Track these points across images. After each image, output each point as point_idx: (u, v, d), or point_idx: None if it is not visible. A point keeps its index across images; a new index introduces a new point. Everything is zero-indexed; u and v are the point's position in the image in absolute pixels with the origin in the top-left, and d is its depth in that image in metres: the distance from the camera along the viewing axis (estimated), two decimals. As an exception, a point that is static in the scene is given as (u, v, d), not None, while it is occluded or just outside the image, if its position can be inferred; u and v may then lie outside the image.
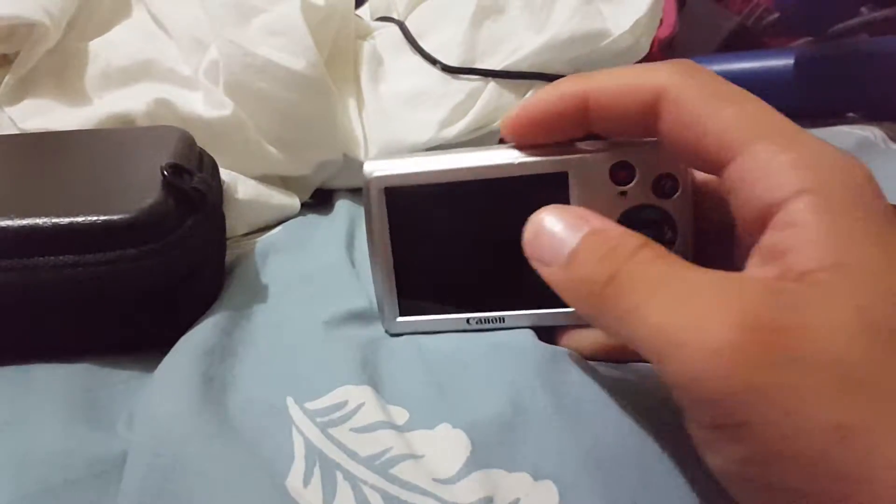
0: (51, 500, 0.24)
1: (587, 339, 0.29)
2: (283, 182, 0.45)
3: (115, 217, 0.29)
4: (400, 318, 0.31)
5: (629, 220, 0.27)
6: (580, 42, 0.46)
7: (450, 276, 0.30)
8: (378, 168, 0.29)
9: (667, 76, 0.22)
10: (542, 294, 0.24)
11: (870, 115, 0.55)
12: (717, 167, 0.21)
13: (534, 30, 0.48)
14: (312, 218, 0.43)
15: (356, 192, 0.45)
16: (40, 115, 0.42)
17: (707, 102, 0.21)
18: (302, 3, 0.42)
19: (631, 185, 0.27)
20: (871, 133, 0.51)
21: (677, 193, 0.26)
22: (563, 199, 0.27)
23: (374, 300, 0.32)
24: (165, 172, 0.31)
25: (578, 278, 0.21)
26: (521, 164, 0.27)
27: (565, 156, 0.27)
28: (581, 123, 0.25)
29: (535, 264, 0.24)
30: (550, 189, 0.27)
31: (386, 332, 0.32)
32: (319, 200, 0.46)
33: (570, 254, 0.22)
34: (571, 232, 0.22)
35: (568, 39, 0.46)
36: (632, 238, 0.21)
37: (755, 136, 0.20)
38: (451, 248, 0.29)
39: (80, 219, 0.29)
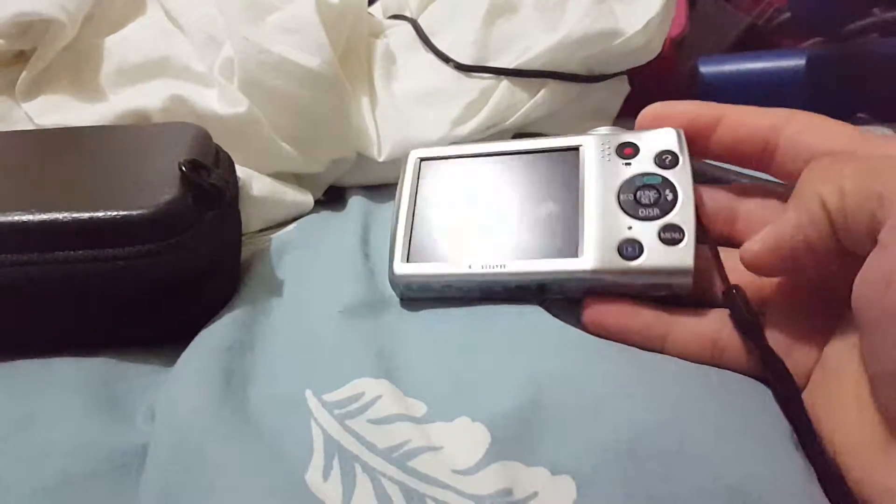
0: (71, 491, 0.24)
1: (611, 313, 0.29)
2: (297, 179, 0.45)
3: (134, 213, 0.29)
4: (406, 263, 0.32)
5: (632, 184, 0.30)
6: (593, 41, 0.46)
7: (459, 231, 0.33)
8: (420, 151, 0.36)
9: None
10: (542, 247, 0.30)
11: (880, 117, 0.55)
12: None
13: (546, 28, 0.48)
14: (326, 215, 0.43)
15: (368, 190, 0.46)
16: (56, 111, 0.42)
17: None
18: (316, 2, 0.42)
19: (635, 158, 0.31)
20: (883, 133, 0.51)
21: (678, 166, 0.30)
22: (575, 167, 0.32)
23: (390, 292, 0.33)
24: (183, 168, 0.32)
25: None
26: (540, 141, 0.33)
27: (580, 135, 0.33)
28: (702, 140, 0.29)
29: None
30: (564, 159, 0.32)
31: (391, 284, 0.33)
32: (331, 197, 0.46)
33: None
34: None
35: (581, 38, 0.46)
36: None
37: None
38: (463, 209, 0.33)
39: (99, 214, 0.29)
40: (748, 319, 0.27)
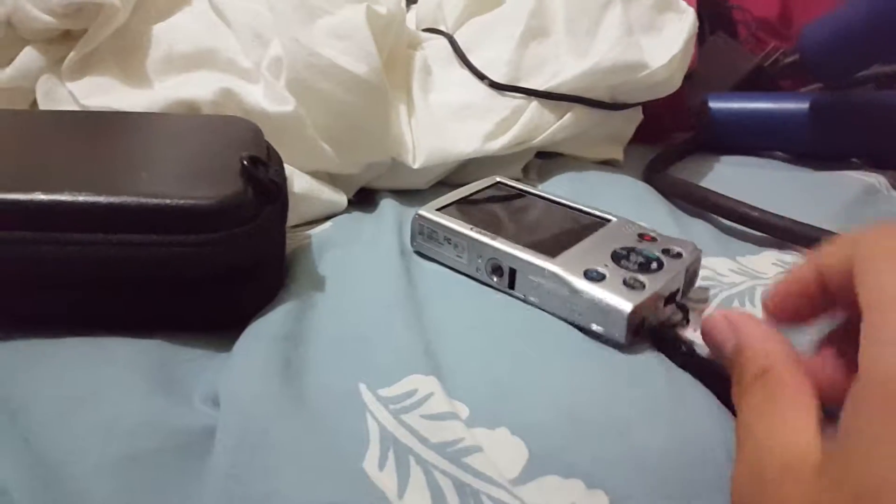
0: (135, 468, 0.25)
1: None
2: (331, 179, 0.46)
3: (201, 202, 0.31)
4: (433, 212, 0.39)
5: (632, 249, 0.36)
6: (620, 71, 0.49)
7: (485, 219, 0.39)
8: (501, 177, 0.45)
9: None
10: (532, 245, 0.36)
11: (873, 163, 0.59)
12: None
13: (576, 54, 0.50)
14: (358, 215, 0.45)
15: (398, 194, 0.47)
16: (102, 93, 0.43)
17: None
18: (367, 10, 0.44)
19: (647, 242, 0.37)
20: (875, 180, 0.54)
21: (679, 258, 0.36)
22: (599, 226, 0.39)
23: (430, 290, 0.37)
24: (245, 163, 0.33)
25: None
26: (587, 206, 0.42)
27: (615, 215, 0.40)
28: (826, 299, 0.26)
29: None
30: (592, 221, 0.40)
31: (412, 222, 0.40)
32: (361, 199, 0.48)
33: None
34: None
35: (609, 68, 0.48)
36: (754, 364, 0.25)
37: None
38: (501, 214, 0.41)
39: (167, 201, 0.31)
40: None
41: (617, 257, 0.36)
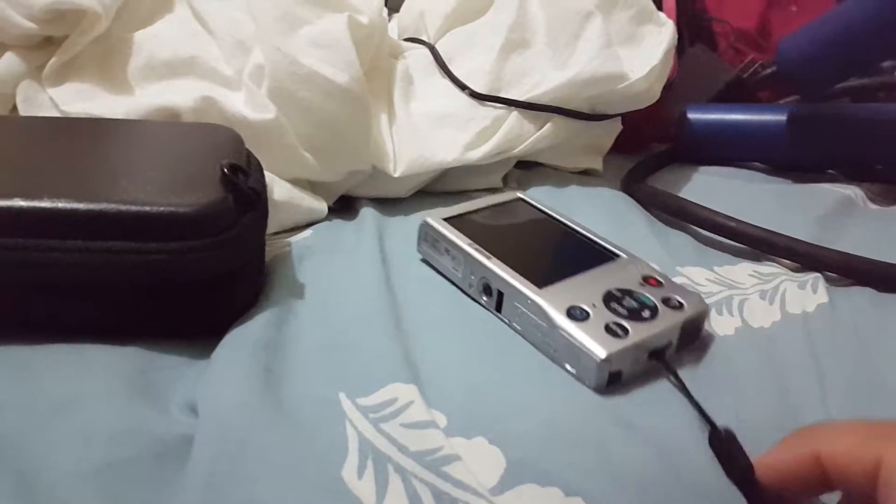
0: (114, 475, 0.25)
1: None
2: (311, 186, 0.46)
3: (180, 210, 0.31)
4: (440, 221, 0.39)
5: (628, 292, 0.35)
6: (599, 83, 0.49)
7: (489, 239, 0.38)
8: (523, 193, 0.45)
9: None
10: (524, 272, 0.34)
11: (849, 175, 0.60)
12: None
13: (556, 66, 0.51)
14: (339, 223, 0.45)
15: (378, 202, 0.48)
16: (83, 99, 0.43)
17: None
18: (349, 20, 0.44)
19: (649, 286, 0.36)
20: (851, 192, 0.55)
21: (678, 310, 0.34)
22: (605, 260, 0.37)
23: (409, 299, 0.37)
24: (225, 171, 0.33)
25: None
26: (600, 237, 0.40)
27: (627, 252, 0.39)
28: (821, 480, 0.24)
29: None
30: (598, 255, 0.38)
31: (420, 227, 0.40)
32: (342, 206, 0.48)
33: None
34: None
35: (589, 79, 0.49)
36: None
37: None
38: (510, 233, 0.40)
39: (146, 208, 0.31)
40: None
41: (609, 298, 0.34)
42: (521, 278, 0.34)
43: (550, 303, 0.33)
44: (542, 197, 0.50)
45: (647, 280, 0.36)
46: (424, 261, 0.40)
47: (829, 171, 0.61)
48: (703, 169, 0.60)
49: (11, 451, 0.25)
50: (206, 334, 0.33)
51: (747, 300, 0.40)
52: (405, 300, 0.37)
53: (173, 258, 0.31)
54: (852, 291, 0.41)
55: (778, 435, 0.25)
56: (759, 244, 0.44)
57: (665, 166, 0.60)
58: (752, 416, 0.31)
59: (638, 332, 0.32)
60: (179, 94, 0.42)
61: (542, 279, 0.34)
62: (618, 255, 0.38)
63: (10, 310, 0.32)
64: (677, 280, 0.39)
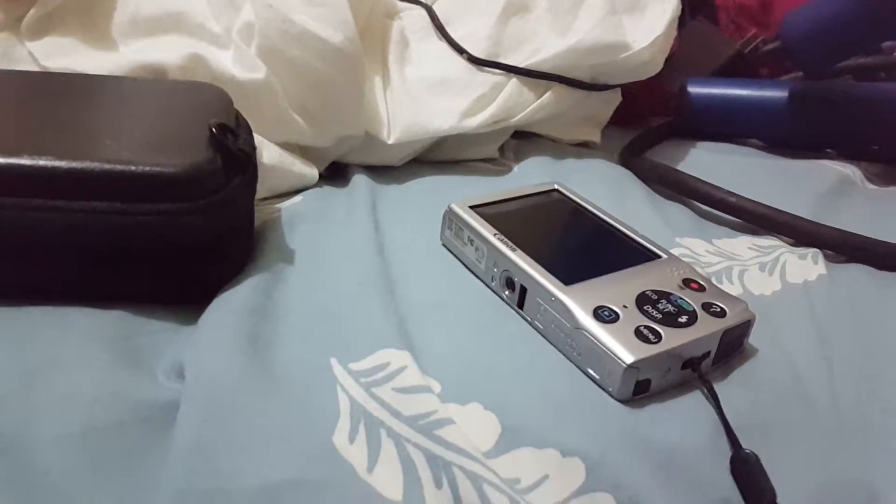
0: (97, 439, 0.24)
1: None
2: (301, 151, 0.45)
3: (168, 170, 0.29)
4: (467, 209, 0.37)
5: (666, 294, 0.32)
6: (601, 52, 0.48)
7: (518, 230, 0.36)
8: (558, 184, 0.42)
9: None
10: (552, 268, 0.32)
11: (847, 154, 0.59)
12: None
13: (557, 32, 0.49)
14: (329, 190, 0.43)
15: (371, 169, 0.46)
16: (64, 54, 0.41)
17: None
18: (343, -23, 0.42)
19: (690, 289, 0.32)
20: (850, 171, 0.54)
21: (718, 317, 0.31)
22: (645, 259, 0.35)
23: (404, 266, 0.36)
24: (213, 131, 0.32)
25: None
26: (640, 235, 0.37)
27: (669, 252, 0.36)
28: None
29: None
30: (636, 253, 0.35)
31: (444, 215, 0.38)
32: (332, 173, 0.47)
33: None
34: None
35: (591, 47, 0.48)
36: None
37: None
38: (542, 225, 0.38)
39: (132, 168, 0.29)
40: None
41: (643, 300, 0.31)
42: (547, 273, 0.32)
43: (577, 301, 0.30)
44: (540, 168, 0.49)
45: (689, 283, 0.33)
46: (446, 248, 0.38)
47: (828, 150, 0.61)
48: (700, 144, 0.59)
49: None
50: (194, 300, 0.32)
51: (747, 271, 0.39)
52: (398, 270, 0.36)
53: (160, 220, 0.30)
54: (851, 266, 0.40)
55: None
56: (758, 220, 0.43)
57: (663, 140, 0.59)
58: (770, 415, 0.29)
59: (672, 339, 0.29)
60: (166, 52, 0.41)
61: (569, 276, 0.32)
62: (658, 255, 0.35)
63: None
64: (676, 252, 0.38)
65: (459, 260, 0.37)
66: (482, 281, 0.36)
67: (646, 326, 0.29)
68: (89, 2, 0.43)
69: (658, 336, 0.29)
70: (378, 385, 0.27)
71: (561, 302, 0.30)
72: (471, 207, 0.37)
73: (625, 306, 0.30)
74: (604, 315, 0.30)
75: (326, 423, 0.25)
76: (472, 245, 0.36)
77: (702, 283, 0.33)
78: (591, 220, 0.38)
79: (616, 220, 0.38)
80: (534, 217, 0.38)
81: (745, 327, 0.32)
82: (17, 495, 0.22)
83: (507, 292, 0.34)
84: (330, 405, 0.26)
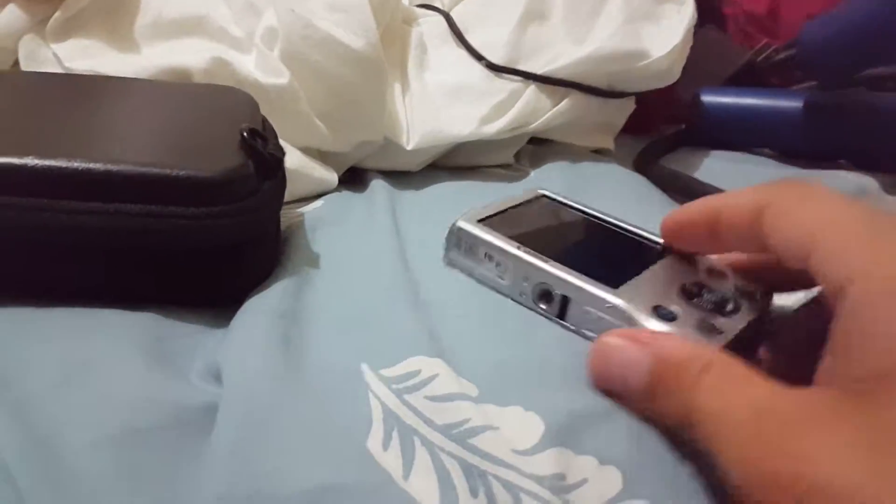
0: (134, 442, 0.24)
1: None
2: (321, 156, 0.45)
3: (202, 174, 0.30)
4: (473, 223, 0.34)
5: (704, 285, 0.31)
6: (619, 60, 0.48)
7: (535, 237, 0.34)
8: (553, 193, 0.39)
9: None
10: (588, 271, 0.30)
11: (861, 165, 0.59)
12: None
13: (575, 40, 0.50)
14: (348, 195, 0.44)
15: (388, 175, 0.46)
16: (88, 56, 0.41)
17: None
18: (366, -18, 0.43)
19: (718, 277, 0.31)
20: (867, 182, 0.54)
21: (752, 300, 0.30)
22: (658, 255, 0.33)
23: (425, 274, 0.35)
24: (245, 135, 0.32)
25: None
26: (643, 229, 0.35)
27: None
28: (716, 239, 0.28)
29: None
30: (650, 249, 0.34)
31: (447, 235, 0.34)
32: (350, 178, 0.47)
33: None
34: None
35: (609, 55, 0.48)
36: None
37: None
38: (552, 232, 0.37)
39: (168, 171, 0.29)
40: None
41: (688, 294, 0.30)
42: (590, 280, 0.30)
43: (634, 304, 0.29)
44: (558, 175, 0.49)
45: (714, 272, 0.32)
46: (451, 266, 0.36)
47: (841, 160, 0.61)
48: (713, 153, 0.60)
49: (28, 415, 0.24)
50: (224, 303, 0.32)
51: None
52: (423, 275, 0.36)
53: (194, 223, 0.30)
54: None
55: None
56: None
57: (676, 148, 0.60)
58: None
59: (730, 328, 0.28)
60: (190, 55, 0.41)
61: (612, 279, 0.30)
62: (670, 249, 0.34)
63: (25, 272, 0.31)
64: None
65: (473, 278, 0.35)
66: (505, 296, 0.34)
67: (704, 321, 0.28)
68: (113, 5, 0.43)
69: (719, 329, 0.28)
70: (410, 392, 0.27)
71: (618, 308, 0.29)
72: (479, 222, 0.35)
73: (676, 302, 0.29)
74: (665, 314, 0.28)
75: (360, 429, 0.25)
76: (491, 261, 0.34)
77: (723, 269, 0.32)
78: (593, 222, 0.37)
79: (612, 216, 0.37)
80: (541, 224, 0.37)
81: (768, 307, 0.32)
82: (53, 498, 0.22)
83: (542, 306, 0.32)
84: (363, 411, 0.26)
